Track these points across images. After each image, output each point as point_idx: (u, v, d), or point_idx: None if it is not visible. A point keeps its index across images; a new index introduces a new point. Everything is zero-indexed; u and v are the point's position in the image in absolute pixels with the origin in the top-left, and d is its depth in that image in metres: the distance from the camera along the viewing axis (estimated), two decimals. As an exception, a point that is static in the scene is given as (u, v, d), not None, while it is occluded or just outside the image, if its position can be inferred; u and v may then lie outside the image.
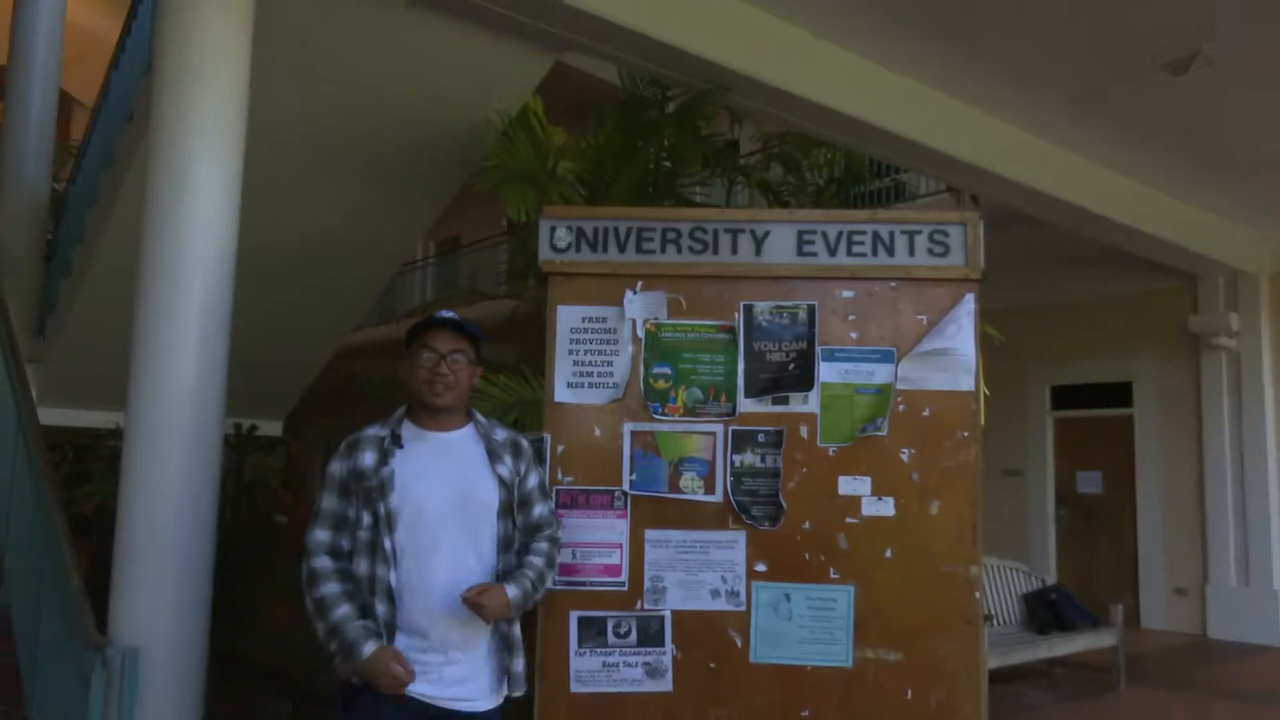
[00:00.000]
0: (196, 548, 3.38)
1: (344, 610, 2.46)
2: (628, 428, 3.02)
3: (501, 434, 2.73)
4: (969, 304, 3.04)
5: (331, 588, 2.48)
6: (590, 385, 3.04)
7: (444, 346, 2.63)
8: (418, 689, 2.48)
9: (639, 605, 2.96)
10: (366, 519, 2.52)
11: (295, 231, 6.20)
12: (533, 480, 2.73)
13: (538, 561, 2.66)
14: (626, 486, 3.00)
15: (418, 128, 5.56)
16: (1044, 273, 10.04)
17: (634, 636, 2.95)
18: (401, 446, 2.59)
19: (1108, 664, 7.27)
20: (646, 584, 2.97)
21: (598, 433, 3.02)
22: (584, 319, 3.07)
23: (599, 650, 2.95)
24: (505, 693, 2.61)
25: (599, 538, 2.98)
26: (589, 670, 2.95)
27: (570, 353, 3.06)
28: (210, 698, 3.43)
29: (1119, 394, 10.26)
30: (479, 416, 2.74)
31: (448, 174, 6.06)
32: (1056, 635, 7.01)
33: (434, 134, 5.59)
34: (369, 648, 2.43)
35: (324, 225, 6.30)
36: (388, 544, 2.49)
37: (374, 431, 2.63)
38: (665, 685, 2.93)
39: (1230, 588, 9.32)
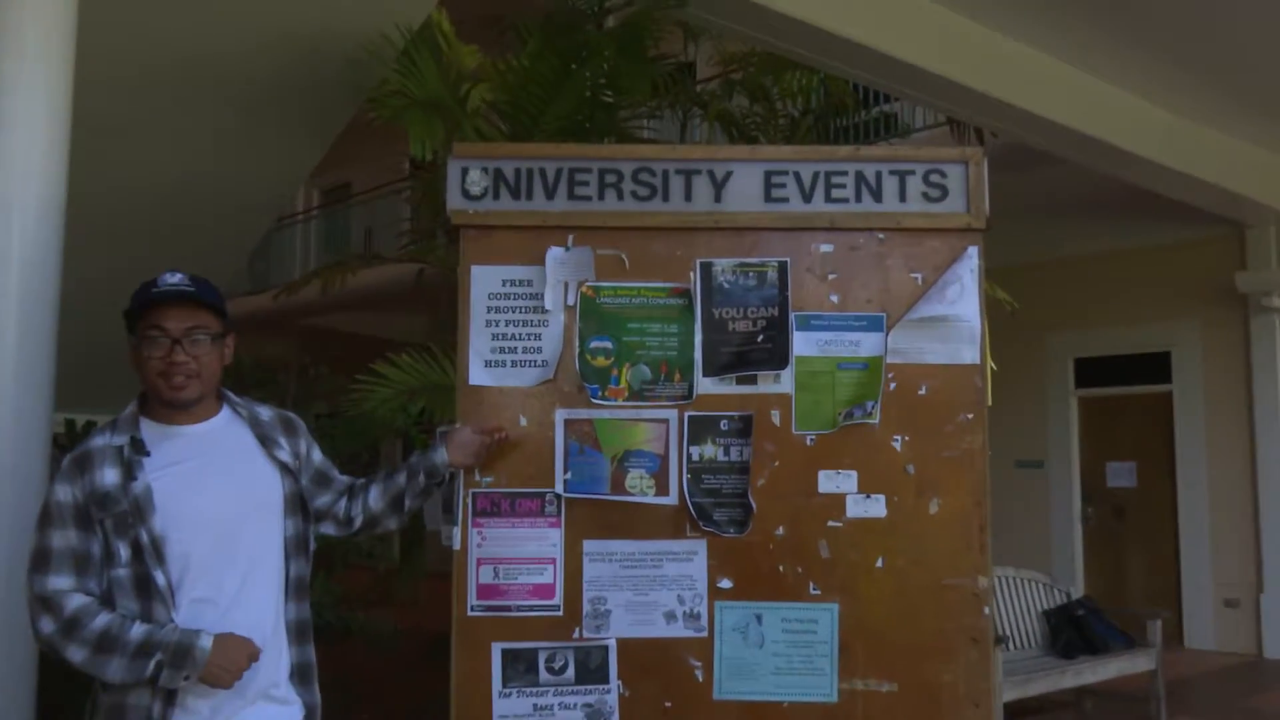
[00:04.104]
0: (17, 561, 3.32)
1: (140, 625, 2.40)
2: (560, 415, 3.02)
3: (266, 412, 2.74)
4: (972, 259, 3.07)
5: (108, 616, 2.40)
6: (513, 364, 3.04)
7: (177, 325, 2.52)
8: None
9: (577, 634, 2.97)
10: (124, 552, 2.44)
11: (142, 177, 6.09)
12: (317, 453, 2.82)
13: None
14: (560, 488, 3.00)
15: (294, 46, 5.47)
16: (1063, 222, 10.19)
17: (571, 672, 2.96)
18: (147, 453, 2.50)
19: (1146, 691, 7.46)
20: (586, 607, 2.98)
21: (524, 422, 3.02)
22: (505, 282, 3.06)
23: (529, 690, 2.96)
24: None
25: (527, 552, 2.98)
26: (516, 715, 2.95)
27: (488, 324, 3.05)
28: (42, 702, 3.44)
29: (1155, 367, 10.49)
30: (232, 395, 2.71)
31: (334, 104, 5.98)
32: (1085, 659, 7.17)
33: (315, 54, 5.51)
34: (207, 638, 2.39)
35: (179, 169, 6.18)
36: (160, 578, 2.43)
37: (104, 440, 2.52)
38: (611, 730, 2.96)
39: (1288, 598, 9.59)
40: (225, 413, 2.67)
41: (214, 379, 2.61)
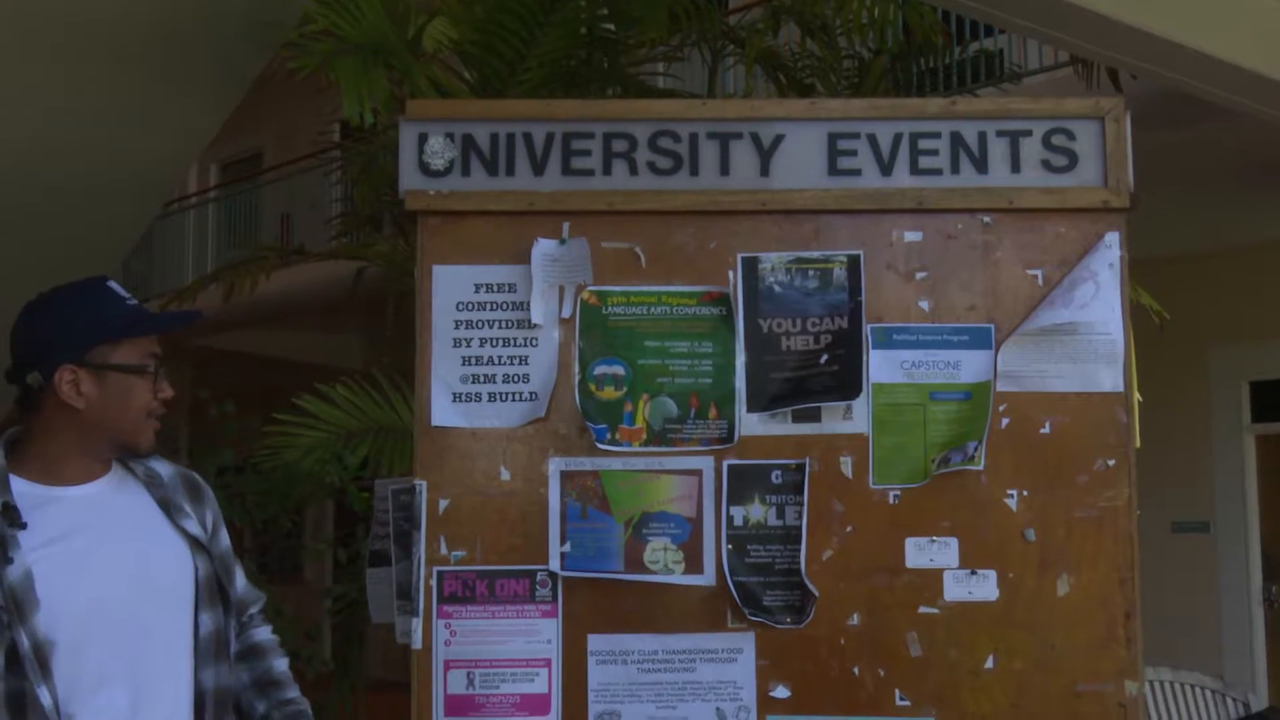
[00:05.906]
0: None
1: None
2: (555, 466, 3.03)
3: (165, 468, 2.75)
4: (1111, 249, 3.07)
5: None
6: (491, 398, 3.06)
7: (158, 352, 2.67)
8: None
9: (581, 762, 2.98)
10: None
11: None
12: (225, 536, 2.80)
13: (283, 674, 2.81)
14: (556, 565, 3.01)
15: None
16: (1230, 198, 10.11)
17: (574, 814, 2.97)
18: (23, 525, 2.45)
19: (1355, 837, 7.41)
20: (594, 725, 2.99)
21: (506, 476, 3.03)
22: (478, 287, 3.08)
23: (517, 839, 2.97)
24: None
25: (513, 651, 2.99)
26: None
27: (457, 344, 3.07)
28: None
29: (1360, 393, 10.43)
30: None
31: (239, 50, 6.01)
32: (1269, 792, 7.13)
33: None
34: None
35: (29, 138, 6.21)
36: (45, 697, 2.38)
37: None
38: None
39: None
40: (115, 469, 2.67)
41: None
